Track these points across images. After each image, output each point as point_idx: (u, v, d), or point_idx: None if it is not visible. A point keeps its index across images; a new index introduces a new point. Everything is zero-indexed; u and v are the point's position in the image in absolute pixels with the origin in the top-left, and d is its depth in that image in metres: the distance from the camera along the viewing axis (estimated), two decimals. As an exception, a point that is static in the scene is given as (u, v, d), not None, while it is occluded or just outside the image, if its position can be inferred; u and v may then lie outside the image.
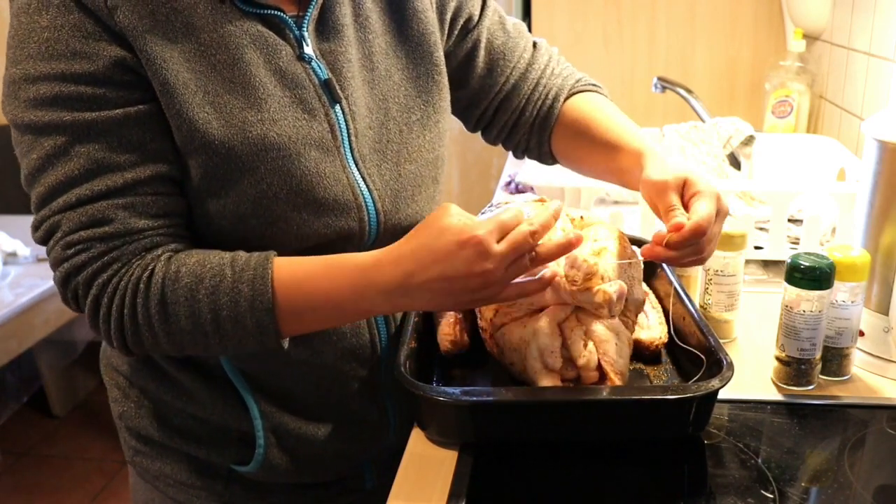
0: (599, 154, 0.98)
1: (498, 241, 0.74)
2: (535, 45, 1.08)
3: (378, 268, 0.77)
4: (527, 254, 0.76)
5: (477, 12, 1.02)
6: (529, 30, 2.23)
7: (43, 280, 2.26)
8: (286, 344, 0.81)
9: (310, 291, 0.78)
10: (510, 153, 1.14)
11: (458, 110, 1.06)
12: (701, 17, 2.11)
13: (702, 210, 0.80)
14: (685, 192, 0.84)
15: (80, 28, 0.74)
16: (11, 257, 2.35)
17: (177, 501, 0.96)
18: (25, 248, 2.37)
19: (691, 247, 0.81)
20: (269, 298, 0.77)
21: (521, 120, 1.06)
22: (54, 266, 0.79)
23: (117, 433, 1.01)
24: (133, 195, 0.78)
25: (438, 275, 0.74)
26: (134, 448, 0.98)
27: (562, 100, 1.04)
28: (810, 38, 1.95)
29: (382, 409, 0.96)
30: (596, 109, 1.01)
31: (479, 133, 1.12)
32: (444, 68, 0.96)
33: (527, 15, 2.35)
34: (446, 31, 0.99)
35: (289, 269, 0.78)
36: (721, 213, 0.83)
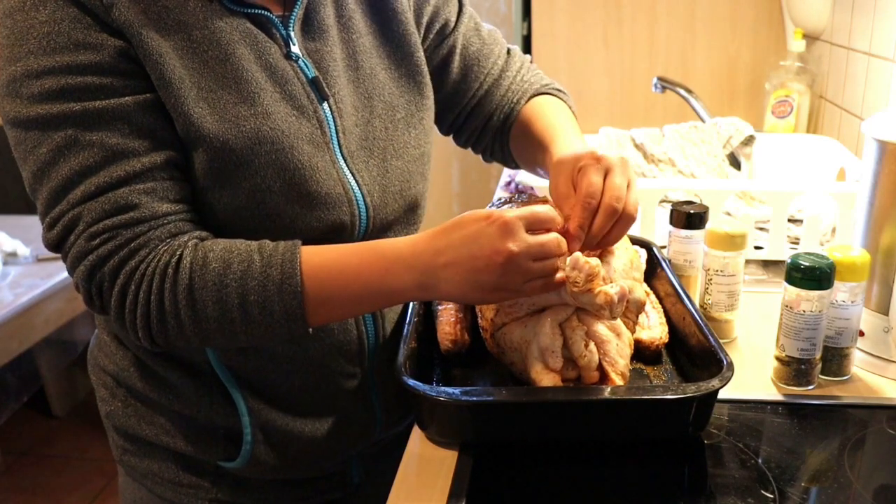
0: (533, 154, 1.01)
1: (527, 231, 0.76)
2: (508, 51, 1.10)
3: (409, 244, 0.79)
4: (556, 257, 0.78)
5: (453, 18, 1.04)
6: (529, 30, 2.23)
7: (43, 280, 2.26)
8: (311, 331, 0.81)
9: (339, 270, 0.79)
10: None
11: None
12: (701, 17, 2.11)
13: (585, 185, 0.82)
14: (573, 175, 0.85)
15: (80, 20, 0.74)
16: (11, 257, 2.34)
17: (165, 499, 0.97)
18: (25, 248, 2.37)
19: (602, 215, 0.82)
20: (298, 281, 0.77)
21: (488, 124, 1.08)
22: (76, 261, 0.77)
23: (108, 433, 1.01)
24: (152, 180, 0.77)
25: (466, 253, 0.76)
26: (122, 447, 0.98)
27: (522, 103, 1.05)
28: (810, 38, 1.95)
29: (369, 405, 0.96)
30: (540, 111, 1.03)
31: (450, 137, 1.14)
32: (425, 69, 0.97)
33: (527, 15, 2.35)
34: (422, 35, 1.00)
35: (317, 253, 0.79)
36: (609, 168, 0.83)
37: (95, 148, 0.75)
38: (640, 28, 2.14)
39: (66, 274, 2.26)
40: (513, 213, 0.76)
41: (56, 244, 0.79)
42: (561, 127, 0.97)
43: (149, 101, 0.77)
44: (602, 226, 0.82)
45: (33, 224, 2.59)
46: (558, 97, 1.08)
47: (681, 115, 2.01)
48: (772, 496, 0.76)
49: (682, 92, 1.85)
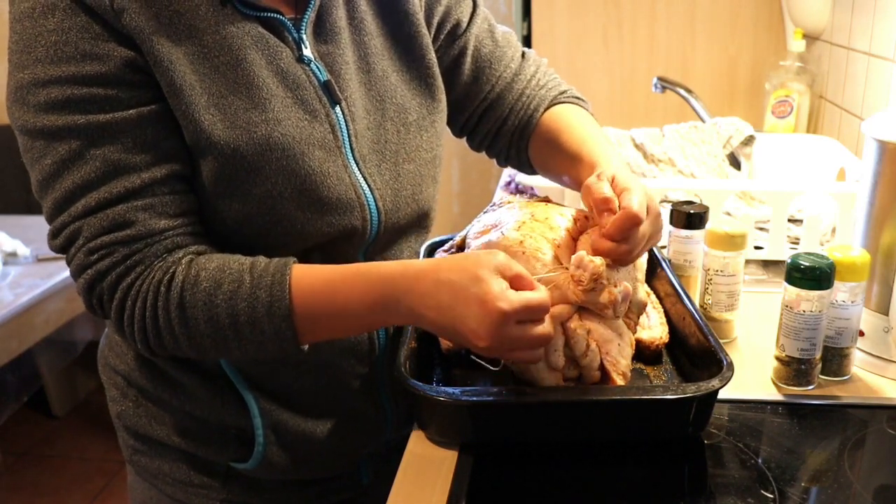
0: (564, 164, 0.98)
1: (517, 317, 0.74)
2: (523, 55, 1.07)
3: (397, 281, 0.76)
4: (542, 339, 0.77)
5: (465, 19, 1.02)
6: (529, 30, 2.23)
7: (43, 280, 2.26)
8: (305, 348, 0.81)
9: (327, 299, 0.78)
10: None
11: None
12: (701, 17, 2.11)
13: (633, 201, 0.79)
14: (614, 189, 0.82)
15: (88, 29, 0.74)
16: (11, 257, 2.34)
17: (175, 499, 0.97)
18: (25, 248, 2.37)
19: (626, 239, 0.79)
20: (287, 305, 0.77)
21: (503, 129, 1.06)
22: (77, 273, 0.79)
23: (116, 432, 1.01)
24: (151, 196, 0.78)
25: (450, 320, 0.75)
26: (132, 447, 0.98)
27: (541, 111, 1.03)
28: (810, 38, 1.95)
29: (380, 406, 0.97)
30: (568, 121, 1.01)
31: (464, 139, 1.12)
32: (437, 70, 0.96)
33: (527, 15, 2.35)
34: (433, 35, 0.99)
35: (307, 277, 0.78)
36: (651, 213, 0.82)
37: (97, 162, 0.75)
38: (640, 28, 2.14)
39: (66, 274, 2.28)
40: (510, 306, 0.73)
41: (60, 251, 0.80)
42: (596, 141, 0.95)
43: (153, 112, 0.77)
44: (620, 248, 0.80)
45: (33, 224, 2.59)
46: (580, 105, 1.05)
47: (681, 115, 2.01)
48: (772, 496, 0.76)
49: (682, 92, 1.86)
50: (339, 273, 0.79)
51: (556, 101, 1.05)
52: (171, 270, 0.78)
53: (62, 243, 0.79)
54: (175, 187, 0.79)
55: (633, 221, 0.78)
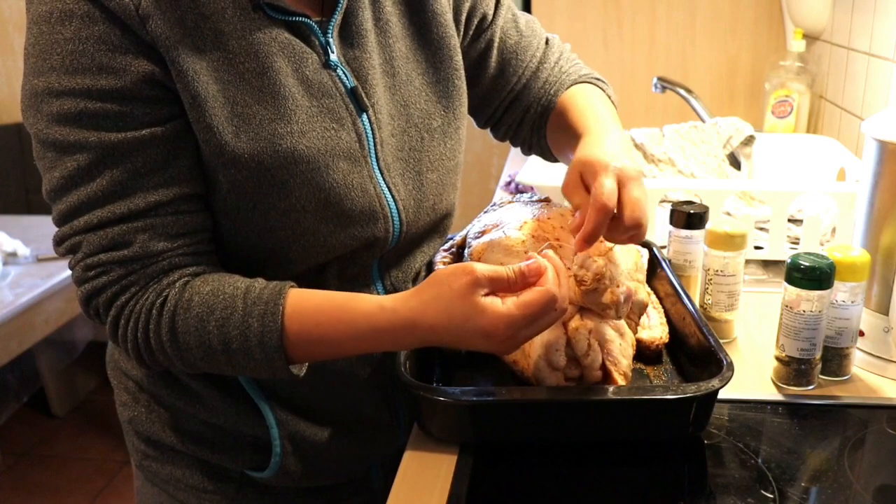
0: (571, 143, 0.94)
1: (523, 319, 0.73)
2: (547, 41, 1.05)
3: (390, 309, 0.76)
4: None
5: (491, 11, 1.00)
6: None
7: (43, 280, 2.26)
8: (302, 371, 0.81)
9: (319, 335, 0.78)
10: (510, 153, 1.14)
11: (468, 108, 1.04)
12: (701, 17, 2.11)
13: (598, 189, 0.76)
14: (585, 177, 0.80)
15: (105, 41, 0.72)
16: (11, 257, 2.35)
17: None
18: (25, 248, 2.37)
19: (615, 223, 0.77)
20: (278, 336, 0.76)
21: (525, 117, 1.04)
22: (76, 284, 0.79)
23: (117, 433, 1.01)
24: (154, 217, 0.77)
25: (464, 346, 0.76)
26: (143, 452, 0.97)
27: (559, 95, 1.01)
28: (810, 38, 1.95)
29: (394, 412, 0.97)
30: (576, 99, 0.98)
31: (482, 130, 1.11)
32: (462, 73, 0.95)
33: (527, 15, 2.35)
34: (461, 32, 0.97)
35: (300, 308, 0.78)
36: (626, 179, 0.78)
37: (104, 181, 0.75)
38: (640, 28, 2.14)
39: (66, 274, 2.28)
40: (509, 329, 0.73)
41: (63, 256, 0.81)
42: (594, 114, 0.92)
43: (166, 133, 0.76)
44: (622, 239, 0.79)
45: (33, 224, 2.60)
46: (596, 86, 1.03)
47: (681, 115, 2.01)
48: (772, 496, 0.76)
49: (682, 92, 1.86)
50: (332, 310, 0.78)
51: (573, 83, 1.02)
52: (164, 293, 0.78)
53: (64, 252, 0.79)
54: (180, 208, 0.78)
55: (603, 212, 0.76)
